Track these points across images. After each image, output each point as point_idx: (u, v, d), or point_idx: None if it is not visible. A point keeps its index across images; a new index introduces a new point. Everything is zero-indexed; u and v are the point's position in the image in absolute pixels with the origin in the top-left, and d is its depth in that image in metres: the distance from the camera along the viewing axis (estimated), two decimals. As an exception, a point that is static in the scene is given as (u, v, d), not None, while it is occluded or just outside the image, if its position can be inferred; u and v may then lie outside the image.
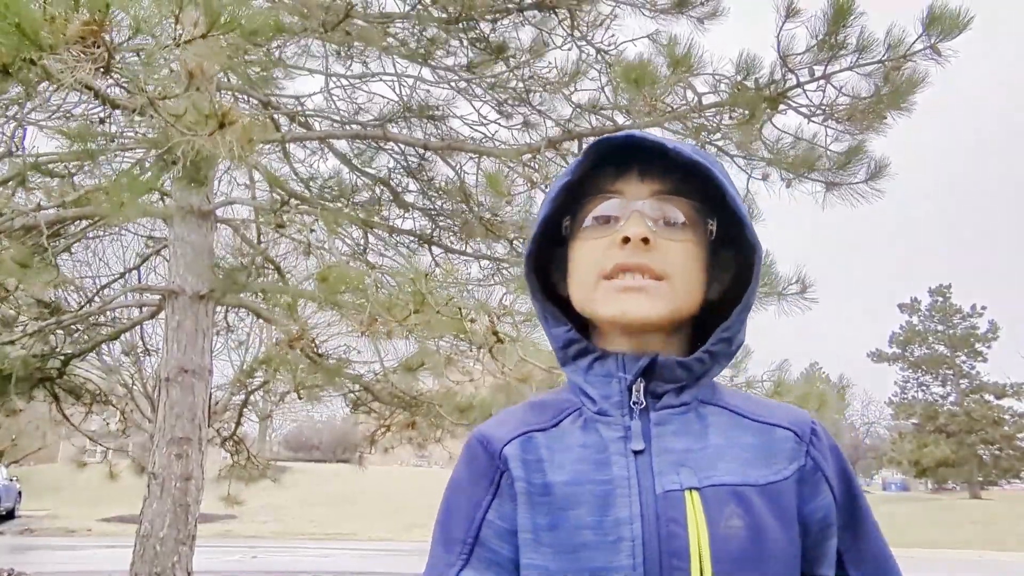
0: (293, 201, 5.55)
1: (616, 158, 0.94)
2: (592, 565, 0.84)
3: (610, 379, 0.92)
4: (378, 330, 3.93)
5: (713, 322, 0.95)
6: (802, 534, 0.89)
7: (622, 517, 0.85)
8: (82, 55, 2.43)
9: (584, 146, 4.98)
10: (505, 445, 0.92)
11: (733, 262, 0.99)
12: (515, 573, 0.90)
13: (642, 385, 0.91)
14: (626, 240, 0.89)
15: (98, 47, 2.43)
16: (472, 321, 4.22)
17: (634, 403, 0.91)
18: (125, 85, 2.82)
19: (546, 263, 1.02)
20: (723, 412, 0.93)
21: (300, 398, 6.28)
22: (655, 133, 0.97)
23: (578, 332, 0.96)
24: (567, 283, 0.98)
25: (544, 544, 0.87)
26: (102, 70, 2.50)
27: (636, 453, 0.88)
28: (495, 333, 4.22)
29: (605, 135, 0.93)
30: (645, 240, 0.89)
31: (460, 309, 4.12)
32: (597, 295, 0.91)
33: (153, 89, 2.81)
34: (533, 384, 4.32)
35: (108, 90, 3.06)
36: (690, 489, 0.86)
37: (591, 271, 0.92)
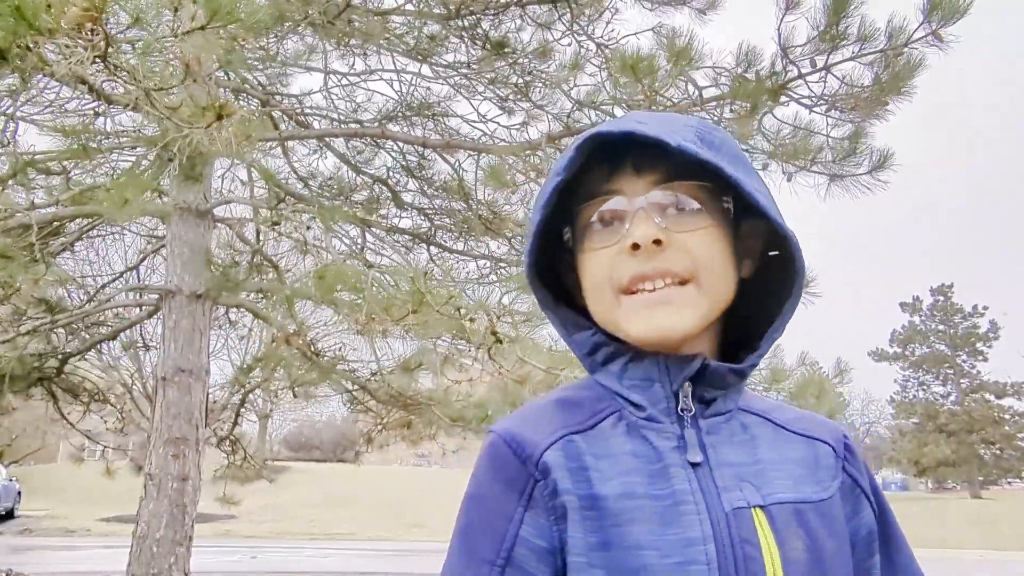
0: (289, 199, 5.53)
1: (607, 152, 0.83)
2: None
3: (651, 383, 0.83)
4: (374, 329, 3.90)
5: (741, 297, 0.87)
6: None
7: (693, 537, 0.75)
8: (79, 43, 2.40)
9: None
10: (545, 450, 0.79)
11: (763, 229, 0.87)
12: None
13: (690, 390, 0.82)
14: (636, 246, 0.79)
15: (96, 35, 2.40)
16: (472, 320, 4.18)
17: (683, 410, 0.82)
18: (122, 77, 2.79)
19: (554, 267, 0.91)
20: (764, 422, 0.87)
21: (295, 396, 6.26)
22: (648, 116, 0.86)
23: (603, 334, 0.86)
24: (581, 292, 0.88)
25: (594, 565, 0.76)
26: (99, 59, 2.47)
27: (693, 465, 0.79)
28: (494, 333, 4.19)
29: (597, 128, 0.82)
30: (657, 242, 0.79)
31: (459, 309, 4.08)
32: (621, 315, 0.81)
33: (149, 81, 2.78)
34: (531, 386, 4.29)
35: (103, 85, 3.03)
36: (755, 507, 0.78)
37: (606, 286, 0.82)
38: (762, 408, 0.89)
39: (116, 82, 3.10)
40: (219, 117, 2.92)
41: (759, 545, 0.76)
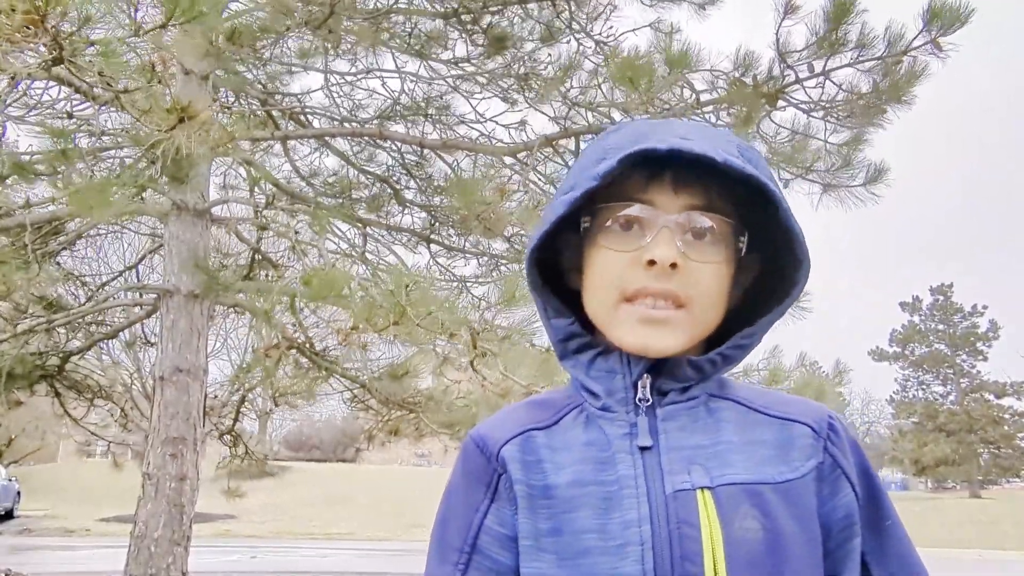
0: (281, 200, 5.51)
1: (649, 161, 0.84)
2: (596, 572, 0.79)
3: (614, 375, 0.87)
4: (355, 340, 3.87)
5: (728, 314, 0.89)
6: (823, 535, 0.84)
7: (629, 519, 0.79)
8: (30, 45, 2.38)
9: (581, 143, 4.92)
10: (503, 446, 0.87)
11: (757, 263, 0.92)
12: None
13: (648, 381, 0.86)
14: (652, 263, 0.82)
15: (46, 35, 2.37)
16: (452, 336, 4.14)
17: (640, 399, 0.85)
18: (86, 78, 2.75)
19: (551, 250, 0.93)
20: (735, 406, 0.88)
21: (276, 405, 6.25)
22: (690, 130, 0.87)
23: (580, 325, 0.90)
24: (578, 279, 0.91)
25: (546, 550, 0.81)
26: (56, 61, 2.44)
27: (643, 450, 0.83)
28: (475, 347, 4.15)
29: (644, 144, 0.81)
30: (674, 265, 0.82)
31: (441, 323, 4.03)
32: (616, 320, 0.85)
33: (117, 82, 2.75)
34: (513, 399, 4.26)
35: (94, 88, 3.01)
36: (702, 488, 0.80)
37: (611, 288, 0.85)
38: (741, 395, 0.90)
39: (87, 82, 3.06)
40: (182, 119, 2.86)
41: (698, 526, 0.79)
